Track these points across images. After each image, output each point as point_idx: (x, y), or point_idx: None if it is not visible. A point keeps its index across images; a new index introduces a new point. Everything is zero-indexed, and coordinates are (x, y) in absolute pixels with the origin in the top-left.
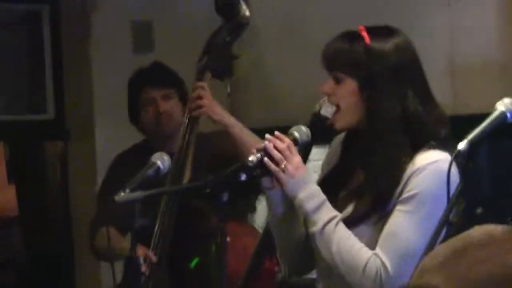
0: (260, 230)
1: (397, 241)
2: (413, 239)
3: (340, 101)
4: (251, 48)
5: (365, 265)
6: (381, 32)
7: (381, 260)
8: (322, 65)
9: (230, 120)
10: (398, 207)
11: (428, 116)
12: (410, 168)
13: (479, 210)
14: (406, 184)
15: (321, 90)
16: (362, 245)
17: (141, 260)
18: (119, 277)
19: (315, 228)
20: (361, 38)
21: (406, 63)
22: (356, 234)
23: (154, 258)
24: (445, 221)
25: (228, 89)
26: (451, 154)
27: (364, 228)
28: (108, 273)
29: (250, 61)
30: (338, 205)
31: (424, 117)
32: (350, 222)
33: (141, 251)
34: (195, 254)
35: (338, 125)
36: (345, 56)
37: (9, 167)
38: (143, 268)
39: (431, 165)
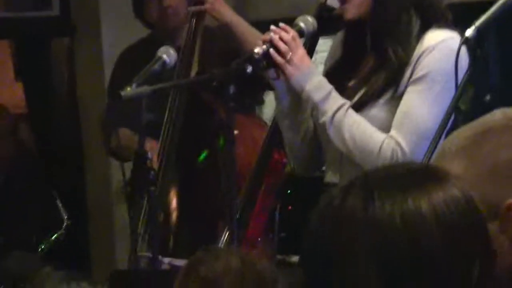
0: (269, 123)
1: (412, 120)
2: (428, 117)
3: None
4: None
5: (380, 148)
6: None
7: (396, 141)
8: None
9: (232, 19)
10: (411, 88)
11: None
12: (419, 49)
13: (487, 97)
14: (416, 64)
15: None
16: (375, 129)
17: (150, 154)
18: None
19: (325, 118)
20: None
21: None
22: (368, 119)
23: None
24: (453, 107)
25: None
26: (459, 34)
27: (376, 111)
28: (118, 169)
29: None
30: (347, 94)
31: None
32: (362, 105)
33: (149, 145)
34: (203, 147)
35: (349, 14)
36: None
37: (16, 64)
38: (152, 163)
39: (441, 44)
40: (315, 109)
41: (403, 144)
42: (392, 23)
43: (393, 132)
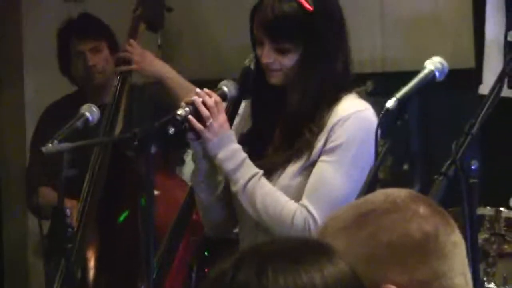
0: (189, 183)
1: (324, 190)
2: (340, 187)
3: (284, 67)
4: (183, 0)
5: (292, 217)
6: None
7: (307, 210)
8: (258, 31)
9: (163, 74)
10: (323, 158)
11: (348, 66)
12: (333, 118)
13: (405, 167)
14: (329, 134)
15: (264, 61)
16: (287, 198)
17: (69, 211)
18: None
19: (236, 187)
20: (297, 3)
21: (342, 20)
22: (280, 187)
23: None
24: (373, 178)
25: (159, 41)
26: (372, 106)
27: (288, 180)
28: (35, 224)
29: (181, 12)
30: (262, 162)
31: (346, 71)
32: (273, 174)
33: (69, 203)
34: (124, 208)
35: (275, 80)
36: (290, 27)
37: None
38: (71, 220)
39: (354, 114)
40: (227, 177)
41: (315, 213)
42: (314, 93)
43: (305, 201)
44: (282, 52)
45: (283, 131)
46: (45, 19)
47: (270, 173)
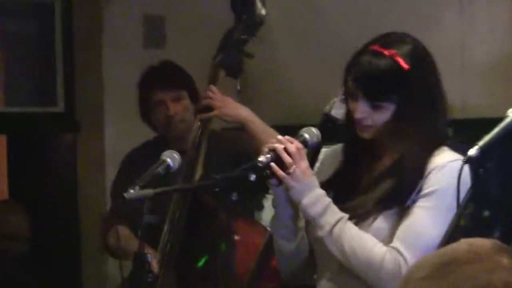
0: (268, 229)
1: (417, 234)
2: (433, 233)
3: (377, 123)
4: (263, 46)
5: (382, 260)
6: (406, 48)
7: (399, 252)
8: (352, 85)
9: (244, 119)
10: (418, 203)
11: (442, 118)
12: (429, 166)
13: (486, 213)
14: (425, 181)
15: (357, 116)
16: (376, 241)
17: (150, 257)
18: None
19: (322, 232)
20: (395, 63)
21: (435, 75)
22: (373, 231)
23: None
24: (455, 225)
25: (238, 87)
26: (462, 155)
27: (379, 223)
28: (115, 269)
29: (261, 58)
30: (349, 205)
31: (441, 121)
32: (366, 217)
33: (150, 249)
34: (203, 253)
35: (367, 135)
36: (387, 86)
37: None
38: (152, 266)
39: (451, 163)
40: (313, 223)
41: (406, 255)
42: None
43: (396, 243)
44: (375, 108)
45: (374, 178)
46: (125, 65)
47: (361, 217)
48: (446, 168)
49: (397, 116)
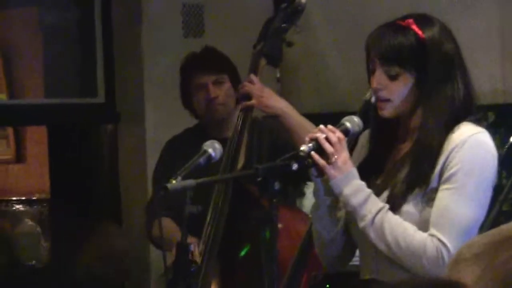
0: (310, 216)
1: (451, 217)
2: (466, 213)
3: (394, 96)
4: (302, 33)
5: (424, 247)
6: (425, 21)
7: (438, 239)
8: (371, 59)
9: (281, 110)
10: (444, 186)
11: (469, 95)
12: (449, 145)
13: None
14: (447, 161)
15: (373, 86)
16: (415, 228)
17: (192, 247)
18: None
19: (364, 222)
20: (411, 31)
21: (454, 49)
22: (402, 216)
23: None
24: (498, 211)
25: (278, 74)
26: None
27: (409, 207)
28: (158, 259)
29: (301, 46)
30: (375, 192)
31: (467, 98)
32: (395, 203)
33: (190, 239)
34: (246, 241)
35: (387, 113)
36: (401, 52)
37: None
38: (194, 256)
39: (470, 138)
40: (354, 212)
41: (446, 241)
42: (430, 121)
43: (433, 230)
44: (392, 78)
45: (397, 161)
46: (165, 54)
47: (391, 202)
48: (467, 144)
49: (415, 91)
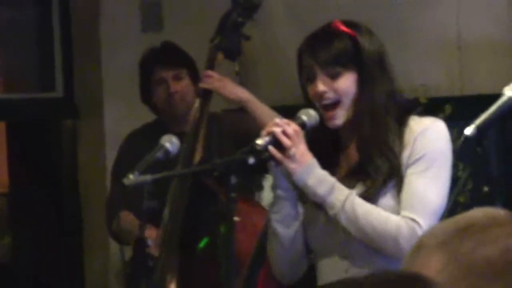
0: (267, 209)
1: (421, 198)
2: (434, 193)
3: (341, 95)
4: (260, 27)
5: (399, 228)
6: (350, 23)
7: (411, 219)
8: (308, 69)
9: (246, 98)
10: (411, 170)
11: (400, 91)
12: (410, 135)
13: (485, 189)
14: (413, 148)
15: (317, 91)
16: (387, 212)
17: (150, 241)
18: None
19: (335, 209)
20: (343, 33)
21: (382, 46)
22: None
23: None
24: (454, 202)
25: (236, 68)
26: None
27: (385, 200)
28: (117, 253)
29: (259, 40)
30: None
31: (402, 94)
32: (369, 197)
33: (150, 232)
34: (204, 235)
35: (338, 121)
36: (341, 56)
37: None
38: (152, 250)
39: (432, 125)
40: (322, 203)
41: (420, 220)
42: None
43: (405, 212)
44: (334, 77)
45: (356, 159)
46: (124, 49)
47: (365, 196)
48: (429, 130)
49: (360, 89)
